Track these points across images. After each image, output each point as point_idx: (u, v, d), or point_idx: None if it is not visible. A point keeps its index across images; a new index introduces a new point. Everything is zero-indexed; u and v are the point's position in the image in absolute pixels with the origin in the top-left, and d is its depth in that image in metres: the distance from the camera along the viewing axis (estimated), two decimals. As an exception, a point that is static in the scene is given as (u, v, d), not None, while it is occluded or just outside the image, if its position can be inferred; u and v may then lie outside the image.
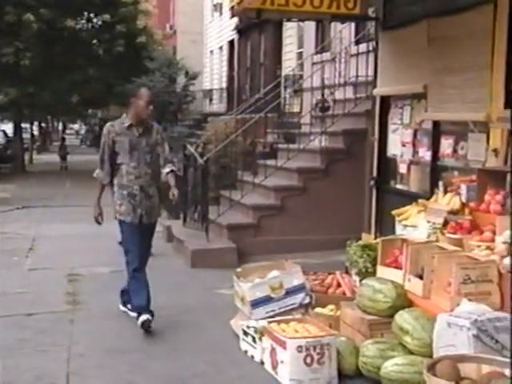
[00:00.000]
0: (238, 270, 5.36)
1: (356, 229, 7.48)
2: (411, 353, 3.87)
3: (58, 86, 20.02)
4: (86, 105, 25.88)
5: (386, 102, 7.42)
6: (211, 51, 25.49)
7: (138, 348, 4.69)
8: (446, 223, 4.85)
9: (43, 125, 42.53)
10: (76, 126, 61.39)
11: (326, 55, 10.81)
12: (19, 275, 7.00)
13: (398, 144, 7.16)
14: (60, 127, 55.24)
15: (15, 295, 6.17)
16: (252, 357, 4.45)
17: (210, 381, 4.15)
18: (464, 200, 5.07)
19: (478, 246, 4.28)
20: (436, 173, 6.34)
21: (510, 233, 4.00)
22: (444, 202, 5.24)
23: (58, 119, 51.24)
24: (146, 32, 21.77)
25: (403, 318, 3.99)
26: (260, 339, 4.36)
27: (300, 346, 3.97)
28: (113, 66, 20.27)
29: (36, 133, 37.69)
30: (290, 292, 4.86)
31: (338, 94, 9.50)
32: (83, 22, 21.20)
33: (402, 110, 7.08)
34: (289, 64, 14.24)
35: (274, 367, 4.14)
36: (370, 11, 7.66)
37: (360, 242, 5.48)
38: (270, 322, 4.41)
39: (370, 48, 8.50)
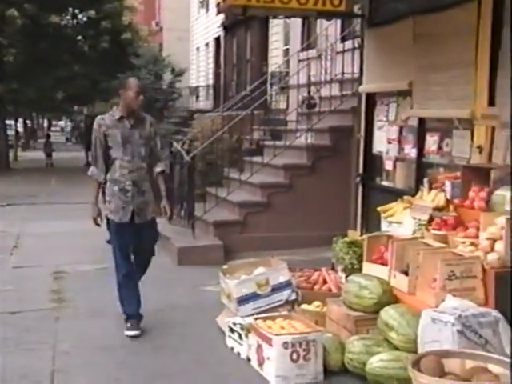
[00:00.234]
0: (225, 266, 5.36)
1: (342, 225, 7.50)
2: (396, 348, 3.90)
3: (43, 83, 19.88)
4: (71, 101, 25.76)
5: (371, 99, 7.45)
6: (197, 48, 25.44)
7: (123, 345, 4.68)
8: (431, 220, 4.88)
9: (28, 122, 42.22)
10: (61, 123, 61.00)
11: (312, 52, 10.82)
12: (4, 273, 6.95)
13: (383, 141, 7.19)
14: (45, 124, 54.88)
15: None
16: (238, 354, 4.46)
17: (196, 378, 4.15)
18: (449, 197, 5.10)
19: (463, 243, 4.31)
20: (421, 169, 6.37)
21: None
22: (429, 198, 5.27)
23: (43, 116, 50.92)
24: (132, 28, 21.66)
25: (389, 314, 4.01)
26: (246, 336, 4.37)
27: (286, 343, 3.98)
28: (98, 62, 20.15)
29: (21, 130, 37.41)
30: (276, 289, 4.86)
31: (324, 91, 9.51)
32: (68, 17, 21.04)
33: (388, 107, 7.11)
34: (275, 61, 14.25)
35: (261, 364, 4.15)
36: (356, 8, 7.69)
37: (346, 239, 5.50)
38: (256, 319, 4.42)
39: (356, 45, 8.52)
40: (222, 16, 17.91)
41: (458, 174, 5.26)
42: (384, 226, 5.69)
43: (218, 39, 21.71)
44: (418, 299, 4.16)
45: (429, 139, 6.24)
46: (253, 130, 10.28)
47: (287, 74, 12.13)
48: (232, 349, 4.55)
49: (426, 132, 6.33)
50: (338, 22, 9.65)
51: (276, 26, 14.57)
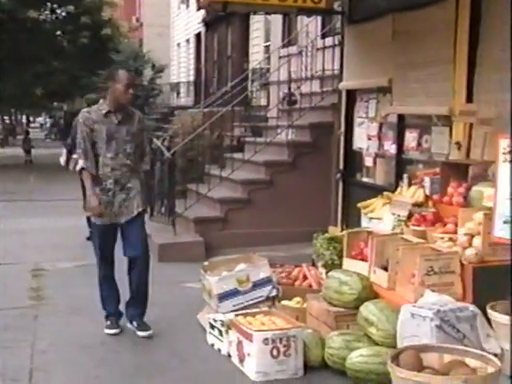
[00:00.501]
0: (205, 263, 5.35)
1: (323, 222, 7.53)
2: (376, 344, 3.92)
3: (22, 79, 19.68)
4: (50, 97, 25.52)
5: (352, 96, 7.48)
6: (178, 44, 25.33)
7: (103, 342, 4.65)
8: (410, 215, 4.91)
9: (6, 118, 41.74)
10: (41, 119, 60.42)
11: (293, 49, 10.84)
12: (-18, 271, 6.87)
13: (363, 137, 7.23)
14: (24, 120, 54.31)
15: (-23, 291, 6.06)
16: (219, 350, 4.46)
17: (176, 374, 4.14)
18: (428, 192, 5.13)
19: (441, 238, 4.35)
20: (401, 166, 6.42)
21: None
22: (408, 194, 5.30)
23: (21, 112, 50.36)
24: (112, 24, 21.52)
25: (368, 309, 4.03)
26: (227, 332, 4.37)
27: (266, 339, 3.99)
28: (77, 58, 19.99)
29: (-1, 126, 36.98)
30: (256, 285, 4.87)
31: (305, 88, 9.53)
32: (47, 12, 20.82)
33: (368, 103, 7.15)
34: (256, 57, 14.24)
35: (241, 360, 4.15)
36: (336, 5, 7.70)
37: (326, 235, 5.52)
38: (237, 315, 4.42)
39: (336, 42, 8.55)
40: (202, 12, 17.86)
41: (437, 170, 5.31)
42: (364, 222, 5.72)
43: (198, 35, 21.63)
44: (397, 294, 4.19)
45: (408, 136, 6.29)
46: (234, 127, 10.27)
47: (268, 70, 12.13)
48: (212, 345, 4.55)
49: (405, 128, 6.38)
50: (319, 18, 9.67)
51: (257, 23, 14.56)
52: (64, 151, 8.87)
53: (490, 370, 3.10)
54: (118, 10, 23.69)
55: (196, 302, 5.24)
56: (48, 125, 52.47)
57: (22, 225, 9.73)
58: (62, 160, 8.84)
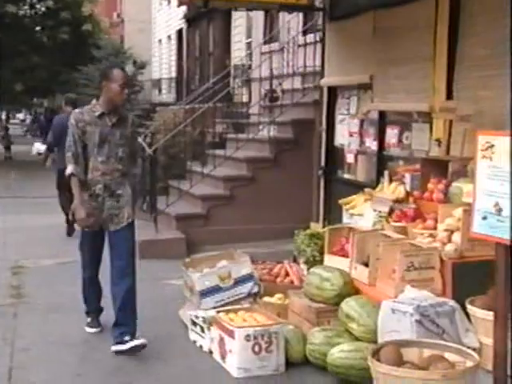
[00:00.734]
0: (187, 260, 5.34)
1: (305, 218, 7.55)
2: (357, 339, 3.94)
3: (0, 74, 19.43)
4: (30, 93, 25.22)
5: (333, 92, 7.50)
6: (159, 40, 25.20)
7: (84, 340, 4.63)
8: (391, 212, 4.95)
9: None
10: (21, 116, 59.78)
11: (275, 45, 10.84)
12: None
13: (345, 134, 7.26)
14: (3, 116, 53.69)
15: (-44, 290, 5.99)
16: (201, 347, 4.46)
17: (157, 371, 4.13)
18: (408, 189, 5.18)
19: (421, 234, 4.39)
20: (382, 162, 6.45)
21: None
22: (389, 191, 5.34)
23: (1, 108, 49.74)
24: (92, 19, 21.32)
25: (349, 305, 4.05)
26: (208, 329, 4.37)
27: (248, 335, 4.00)
28: (58, 53, 19.79)
29: (-22, 122, 36.53)
30: (238, 281, 4.87)
31: (287, 84, 9.54)
32: (26, 7, 20.58)
33: (349, 100, 7.18)
34: (238, 54, 14.21)
35: (223, 356, 4.16)
36: (317, 2, 7.73)
37: (308, 231, 5.54)
38: (219, 312, 4.42)
39: (318, 38, 8.56)
40: (184, 8, 17.78)
41: (418, 166, 5.35)
42: (345, 219, 5.75)
43: (180, 32, 21.53)
44: (378, 290, 4.22)
45: (389, 132, 6.33)
46: (215, 123, 10.26)
47: (250, 66, 12.12)
48: (194, 342, 4.55)
49: (386, 125, 6.41)
50: (300, 15, 9.68)
51: (239, 19, 14.53)
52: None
53: (469, 364, 3.14)
54: (98, 6, 23.49)
55: (178, 298, 5.23)
56: (28, 121, 51.92)
57: (2, 222, 9.62)
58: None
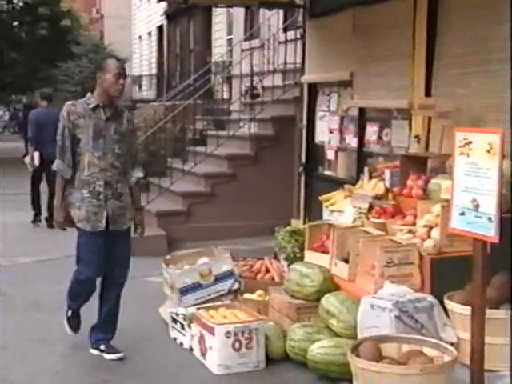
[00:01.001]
0: (168, 257, 5.32)
1: (285, 215, 7.57)
2: (337, 335, 3.96)
3: (-23, 70, 19.20)
4: (8, 90, 24.91)
5: (313, 89, 7.52)
6: (140, 37, 25.05)
7: (62, 338, 4.58)
8: (370, 208, 4.96)
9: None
10: (-1, 112, 59.04)
11: (255, 42, 10.83)
12: None
13: (325, 131, 7.28)
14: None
15: None
16: (181, 344, 4.45)
17: (138, 369, 4.11)
18: (388, 185, 5.20)
19: (401, 230, 4.41)
20: (362, 159, 6.49)
21: None
22: (369, 187, 5.36)
23: (-22, 105, 49.10)
24: (71, 15, 21.11)
25: (329, 301, 4.07)
26: (189, 326, 4.36)
27: (228, 332, 3.99)
28: (36, 49, 19.57)
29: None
30: (219, 278, 4.86)
31: (267, 81, 9.54)
32: (3, 2, 20.31)
33: (330, 97, 7.20)
34: (219, 50, 14.18)
35: (203, 353, 4.15)
36: (298, -1, 7.74)
37: (288, 228, 5.55)
38: (199, 309, 4.41)
39: (298, 35, 8.57)
40: (164, 4, 17.68)
41: (397, 163, 5.38)
42: (326, 215, 5.77)
43: (160, 28, 21.43)
44: (357, 286, 4.24)
45: (369, 129, 6.36)
46: (196, 120, 10.23)
47: (230, 63, 12.10)
48: (175, 339, 4.54)
49: (366, 122, 6.44)
50: (281, 12, 9.69)
51: (219, 16, 14.49)
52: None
53: (447, 358, 3.17)
54: (77, 2, 23.25)
55: (158, 296, 5.21)
56: (6, 118, 51.30)
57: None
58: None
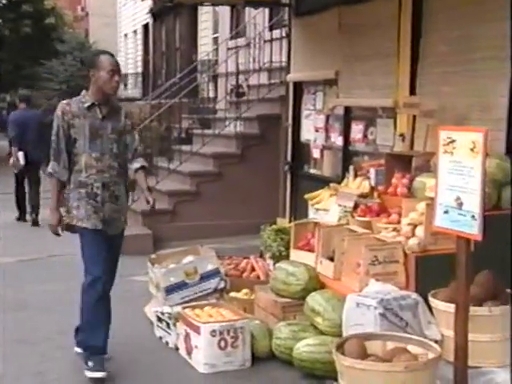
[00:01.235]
0: (153, 256, 5.31)
1: (271, 213, 7.57)
2: (323, 333, 3.97)
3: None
4: (-9, 88, 24.70)
5: (299, 88, 7.52)
6: (125, 35, 24.92)
7: (47, 338, 4.56)
8: (356, 206, 4.98)
9: None
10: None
11: (241, 41, 10.82)
12: None
13: (311, 129, 7.29)
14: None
15: None
16: (167, 343, 4.44)
17: (123, 368, 4.09)
18: (373, 184, 5.22)
19: (386, 228, 4.43)
20: (347, 157, 6.50)
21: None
22: (354, 185, 5.38)
23: (-38, 103, 48.62)
24: (56, 13, 20.95)
25: (315, 299, 4.08)
26: (174, 325, 4.35)
27: (214, 331, 3.99)
28: (20, 47, 19.39)
29: None
30: (204, 277, 4.85)
31: (253, 80, 9.54)
32: (-16, -1, 20.13)
33: (315, 95, 7.21)
34: (204, 49, 14.14)
35: (189, 352, 4.15)
36: (283, -3, 7.73)
37: (274, 227, 5.56)
38: (185, 308, 4.40)
39: (284, 34, 8.58)
40: (150, 2, 17.62)
41: (382, 161, 5.39)
42: (311, 214, 5.78)
43: (146, 26, 21.33)
44: (343, 284, 4.25)
45: (354, 128, 6.37)
46: (182, 119, 10.21)
47: (216, 62, 12.08)
48: (160, 338, 4.53)
49: (351, 120, 6.46)
50: (266, 10, 9.68)
51: (205, 14, 14.46)
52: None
53: (431, 355, 3.19)
54: (61, -1, 23.12)
55: (144, 295, 5.19)
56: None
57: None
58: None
